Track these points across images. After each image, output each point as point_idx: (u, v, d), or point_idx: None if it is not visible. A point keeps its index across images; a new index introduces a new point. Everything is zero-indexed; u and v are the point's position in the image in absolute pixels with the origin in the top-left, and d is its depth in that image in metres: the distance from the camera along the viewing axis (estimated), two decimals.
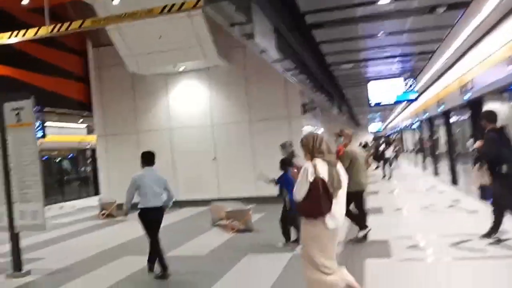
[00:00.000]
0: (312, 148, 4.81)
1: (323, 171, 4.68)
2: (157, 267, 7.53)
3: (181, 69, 16.32)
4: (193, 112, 16.80)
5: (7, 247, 8.55)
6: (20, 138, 8.05)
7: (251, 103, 16.20)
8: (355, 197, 8.49)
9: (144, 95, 17.09)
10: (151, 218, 7.40)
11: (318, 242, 4.71)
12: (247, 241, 9.66)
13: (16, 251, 8.19)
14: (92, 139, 24.77)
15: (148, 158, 7.60)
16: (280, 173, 8.70)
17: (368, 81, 18.78)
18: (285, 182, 8.47)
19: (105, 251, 9.74)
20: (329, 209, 4.61)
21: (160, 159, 16.00)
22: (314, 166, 4.68)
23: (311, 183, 4.61)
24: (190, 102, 16.84)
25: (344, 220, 4.95)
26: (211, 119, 16.64)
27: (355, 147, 9.11)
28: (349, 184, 5.02)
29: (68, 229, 13.39)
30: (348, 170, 6.58)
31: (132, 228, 12.80)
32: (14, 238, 8.19)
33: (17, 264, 8.15)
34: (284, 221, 8.83)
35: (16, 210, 8.10)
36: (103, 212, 15.36)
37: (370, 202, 14.21)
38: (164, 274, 7.37)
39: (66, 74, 17.98)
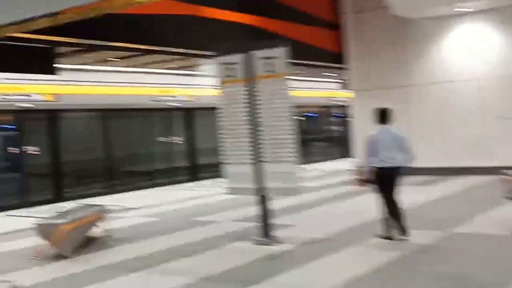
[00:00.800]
0: None
1: None
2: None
3: (461, 10, 14.90)
4: (476, 62, 15.27)
5: (253, 211, 8.71)
6: (272, 91, 7.93)
7: None
8: None
9: (411, 43, 16.11)
10: (385, 179, 7.70)
11: None
12: None
13: (265, 216, 8.24)
14: (343, 94, 24.72)
15: (382, 116, 7.88)
16: None
17: None
18: None
19: (367, 222, 9.14)
20: None
21: (431, 117, 15.46)
22: None
23: None
24: (472, 50, 15.33)
25: None
26: (503, 70, 14.90)
27: None
28: None
29: (319, 194, 13.41)
30: None
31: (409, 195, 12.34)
32: (263, 202, 8.21)
33: (266, 231, 8.20)
34: None
35: (265, 171, 8.06)
36: (361, 177, 14.98)
37: None
38: (402, 235, 7.66)
39: (315, 21, 17.77)
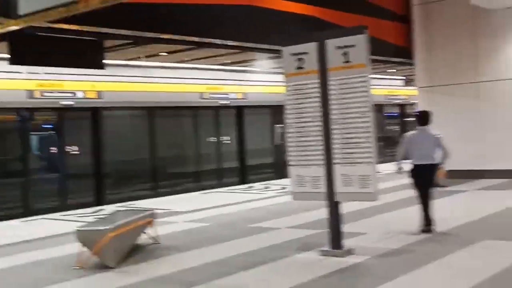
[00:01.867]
0: None
1: None
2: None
3: None
4: None
5: (312, 217, 8.27)
6: (347, 83, 7.38)
7: None
8: None
9: (486, 36, 15.28)
10: (419, 176, 8.69)
11: None
12: None
13: (335, 225, 7.68)
14: (406, 92, 24.02)
15: (421, 118, 8.97)
16: None
17: None
18: None
19: (447, 230, 8.57)
20: None
21: (504, 115, 14.60)
22: None
23: None
24: None
25: None
26: None
27: None
28: None
29: (385, 198, 12.65)
30: None
31: (482, 200, 11.76)
32: (334, 209, 7.65)
33: (336, 240, 7.63)
34: None
35: (337, 174, 7.49)
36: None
37: None
38: (427, 228, 8.57)
39: (380, 13, 17.08)
